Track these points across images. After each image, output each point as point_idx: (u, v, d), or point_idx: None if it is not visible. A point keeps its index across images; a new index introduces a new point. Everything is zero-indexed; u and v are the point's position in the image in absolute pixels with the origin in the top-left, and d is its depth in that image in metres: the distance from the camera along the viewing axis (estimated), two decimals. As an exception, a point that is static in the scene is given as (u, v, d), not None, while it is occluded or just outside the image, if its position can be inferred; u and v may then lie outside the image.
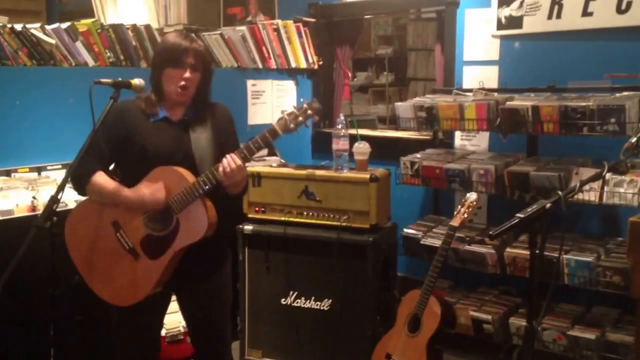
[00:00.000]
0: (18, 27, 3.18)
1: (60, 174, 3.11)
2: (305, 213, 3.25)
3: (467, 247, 3.28)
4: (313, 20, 4.42)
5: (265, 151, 3.63)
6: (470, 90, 3.57)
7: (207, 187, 2.16)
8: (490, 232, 1.87)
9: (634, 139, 1.91)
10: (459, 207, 2.94)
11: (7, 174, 3.10)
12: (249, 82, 4.17)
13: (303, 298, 3.30)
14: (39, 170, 3.19)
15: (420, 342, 2.87)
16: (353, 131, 3.40)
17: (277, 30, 4.25)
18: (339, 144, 3.18)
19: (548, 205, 1.82)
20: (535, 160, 3.26)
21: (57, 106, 3.26)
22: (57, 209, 2.08)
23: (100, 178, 2.24)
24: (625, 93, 2.95)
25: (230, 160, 2.14)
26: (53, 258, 2.14)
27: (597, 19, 3.20)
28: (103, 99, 2.18)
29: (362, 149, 3.24)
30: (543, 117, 2.96)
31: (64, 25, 3.39)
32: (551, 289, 1.95)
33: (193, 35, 2.42)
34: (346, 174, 3.19)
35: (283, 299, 3.33)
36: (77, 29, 3.41)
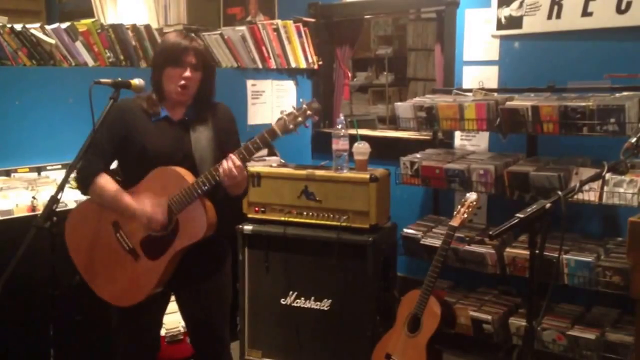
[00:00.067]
0: (18, 27, 3.18)
1: (60, 174, 3.11)
2: (305, 213, 3.25)
3: (467, 247, 3.28)
4: (313, 20, 4.42)
5: (265, 151, 3.63)
6: (470, 91, 3.57)
7: (206, 187, 2.15)
8: (490, 232, 1.87)
9: (633, 139, 1.91)
10: (459, 207, 2.94)
11: (7, 174, 3.10)
12: (249, 82, 4.17)
13: (303, 298, 3.30)
14: (38, 170, 3.19)
15: (420, 342, 2.87)
16: (353, 131, 3.40)
17: (277, 30, 4.25)
18: (339, 144, 3.18)
19: (548, 205, 1.82)
20: (535, 160, 3.26)
21: (56, 106, 3.26)
22: (57, 209, 2.09)
23: (103, 180, 2.24)
24: (625, 93, 2.95)
25: (230, 162, 2.13)
26: (53, 258, 2.15)
27: (597, 19, 3.20)
28: (103, 99, 2.19)
29: (361, 149, 3.24)
30: (543, 117, 2.97)
31: (64, 25, 3.39)
32: (551, 289, 1.95)
33: (193, 35, 2.42)
34: (346, 174, 3.19)
35: (283, 299, 3.33)
36: (77, 29, 3.41)
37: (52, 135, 3.23)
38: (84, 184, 2.25)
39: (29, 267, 2.13)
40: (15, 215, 2.84)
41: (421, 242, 3.43)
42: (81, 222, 2.34)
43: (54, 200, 2.07)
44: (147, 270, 2.23)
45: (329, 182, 3.19)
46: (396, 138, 4.28)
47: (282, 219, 3.29)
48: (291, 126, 2.11)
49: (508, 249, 3.17)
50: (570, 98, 3.02)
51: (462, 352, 3.49)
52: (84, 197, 2.36)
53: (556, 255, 2.78)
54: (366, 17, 4.72)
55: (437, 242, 3.21)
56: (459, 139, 3.87)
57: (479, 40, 3.69)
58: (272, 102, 4.29)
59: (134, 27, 3.67)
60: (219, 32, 4.15)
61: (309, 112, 2.12)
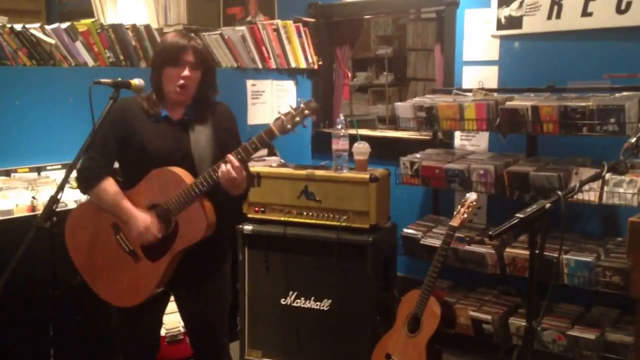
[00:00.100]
0: (18, 27, 3.18)
1: (60, 174, 3.11)
2: (305, 213, 3.25)
3: (467, 247, 3.28)
4: (313, 20, 4.42)
5: (265, 151, 3.63)
6: (470, 91, 3.57)
7: (204, 188, 2.15)
8: (490, 232, 1.87)
9: (633, 139, 1.91)
10: (459, 207, 2.93)
11: (7, 174, 3.10)
12: (249, 82, 4.17)
13: (303, 298, 3.30)
14: (38, 170, 3.19)
15: (420, 342, 2.87)
16: (353, 131, 3.40)
17: (276, 30, 4.25)
18: (339, 144, 3.18)
19: (548, 205, 1.82)
20: (535, 161, 3.26)
21: (56, 106, 3.26)
22: (57, 209, 2.09)
23: (107, 184, 2.22)
24: (625, 93, 2.95)
25: (229, 164, 2.12)
26: (53, 258, 2.15)
27: (597, 19, 3.20)
28: (103, 99, 2.19)
29: (361, 149, 3.24)
30: (543, 117, 2.97)
31: (64, 25, 3.39)
32: (551, 289, 1.95)
33: (193, 35, 2.42)
34: (346, 174, 3.19)
35: (283, 299, 3.33)
36: (77, 29, 3.41)
37: (52, 135, 3.23)
38: (87, 185, 2.24)
39: (29, 267, 2.13)
40: (15, 215, 2.84)
41: (421, 242, 3.43)
42: (81, 223, 2.34)
43: (54, 200, 2.07)
44: (148, 272, 2.23)
45: (328, 182, 3.19)
46: (396, 138, 4.28)
47: (282, 219, 3.29)
48: (289, 126, 2.11)
49: (508, 249, 3.17)
50: (570, 98, 3.02)
51: (462, 352, 3.49)
52: (84, 197, 2.35)
53: (556, 255, 2.78)
54: (366, 17, 4.72)
55: (437, 242, 3.21)
56: (459, 139, 3.87)
57: (478, 40, 3.69)
58: (272, 102, 4.29)
59: (134, 27, 3.67)
60: (218, 32, 4.15)
61: (306, 111, 2.11)
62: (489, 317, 3.19)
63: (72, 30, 3.39)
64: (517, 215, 1.83)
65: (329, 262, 3.17)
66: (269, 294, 3.35)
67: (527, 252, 2.95)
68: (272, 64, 4.25)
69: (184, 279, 2.31)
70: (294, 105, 2.13)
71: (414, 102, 3.52)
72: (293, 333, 3.33)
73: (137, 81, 2.25)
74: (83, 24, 3.46)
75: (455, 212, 2.93)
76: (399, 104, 3.58)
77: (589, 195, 2.84)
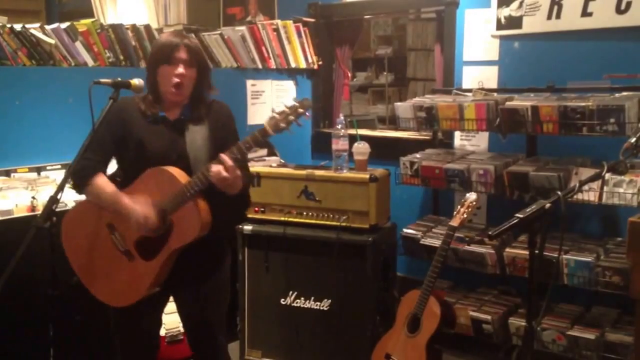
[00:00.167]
0: (17, 27, 3.18)
1: (60, 174, 3.11)
2: (304, 213, 3.25)
3: (467, 247, 3.28)
4: (312, 20, 4.42)
5: (265, 151, 3.63)
6: (469, 91, 3.57)
7: (198, 188, 2.14)
8: (490, 232, 1.87)
9: (633, 139, 1.91)
10: (459, 207, 2.93)
11: (7, 174, 3.10)
12: (249, 82, 4.17)
13: (302, 298, 3.30)
14: (38, 170, 3.19)
15: (420, 342, 2.87)
16: (353, 131, 3.41)
17: (276, 30, 4.25)
18: (339, 144, 3.18)
19: (547, 205, 1.82)
20: (535, 161, 3.26)
21: (56, 106, 3.26)
22: (57, 209, 2.08)
23: (101, 180, 2.24)
24: (625, 93, 2.95)
25: (221, 165, 2.11)
26: (53, 258, 2.15)
27: (597, 19, 3.20)
28: (102, 99, 2.19)
29: (361, 149, 3.24)
30: (542, 117, 2.97)
31: (64, 25, 3.39)
32: (550, 289, 1.95)
33: (192, 35, 2.42)
34: (346, 174, 3.19)
35: (283, 299, 3.33)
36: (77, 29, 3.41)
37: (52, 135, 3.23)
38: (81, 184, 2.24)
39: (29, 267, 2.13)
40: (15, 216, 2.84)
41: (421, 242, 3.43)
42: (77, 224, 2.34)
43: (54, 200, 2.06)
44: (142, 271, 2.23)
45: (328, 182, 3.19)
46: (396, 138, 4.28)
47: (282, 219, 3.29)
48: (283, 125, 2.08)
49: (508, 249, 3.17)
50: (570, 98, 3.02)
51: (461, 352, 3.49)
52: (83, 197, 2.35)
53: (556, 255, 2.78)
54: (366, 17, 4.72)
55: (436, 242, 3.21)
56: (458, 139, 3.87)
57: (478, 40, 3.69)
58: (271, 102, 4.29)
59: (134, 27, 3.67)
60: (218, 32, 4.15)
61: (300, 109, 2.08)
62: (488, 317, 3.19)
63: (72, 30, 3.39)
64: (517, 215, 1.83)
65: (328, 262, 3.17)
66: (269, 294, 3.35)
67: (527, 252, 2.93)
68: (272, 64, 4.24)
69: (183, 279, 2.31)
70: (289, 104, 2.12)
71: (413, 102, 3.52)
72: (293, 333, 3.33)
73: (136, 81, 2.25)
74: (83, 24, 3.46)
75: (455, 212, 2.93)
76: (398, 104, 3.58)
77: (589, 195, 2.84)
